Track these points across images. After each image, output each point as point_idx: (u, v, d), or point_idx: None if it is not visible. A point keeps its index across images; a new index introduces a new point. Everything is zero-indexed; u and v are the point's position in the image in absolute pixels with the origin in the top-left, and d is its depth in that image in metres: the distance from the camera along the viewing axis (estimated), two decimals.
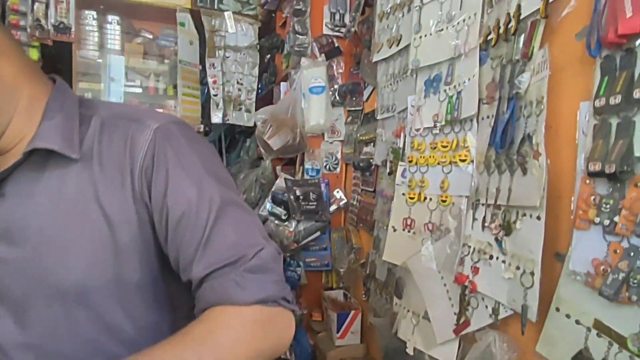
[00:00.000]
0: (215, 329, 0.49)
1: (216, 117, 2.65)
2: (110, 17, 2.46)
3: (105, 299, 0.54)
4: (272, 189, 1.79)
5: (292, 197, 1.69)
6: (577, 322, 0.73)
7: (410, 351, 1.17)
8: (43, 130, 0.54)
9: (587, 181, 0.71)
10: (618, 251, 0.67)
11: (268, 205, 1.78)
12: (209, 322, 0.50)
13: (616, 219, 0.66)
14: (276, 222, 1.76)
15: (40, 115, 0.55)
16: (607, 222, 0.67)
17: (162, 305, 0.59)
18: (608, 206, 0.67)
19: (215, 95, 2.64)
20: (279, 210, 1.73)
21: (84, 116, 0.58)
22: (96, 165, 0.54)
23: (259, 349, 0.51)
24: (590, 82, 0.73)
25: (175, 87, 2.53)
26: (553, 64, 0.78)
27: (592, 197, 0.70)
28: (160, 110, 2.61)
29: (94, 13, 2.42)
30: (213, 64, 2.64)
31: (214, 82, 2.63)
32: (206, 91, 2.76)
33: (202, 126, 2.57)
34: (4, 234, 0.53)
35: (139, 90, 2.55)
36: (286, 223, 1.73)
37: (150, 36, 2.61)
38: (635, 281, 0.63)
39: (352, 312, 1.61)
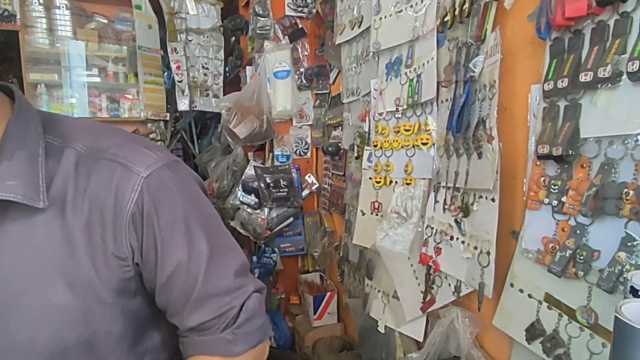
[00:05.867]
0: None
1: (182, 105, 2.55)
2: (58, 1, 2.28)
3: (83, 354, 0.51)
4: (242, 178, 1.75)
5: (262, 185, 1.67)
6: (530, 296, 0.76)
7: (381, 329, 1.20)
8: (1, 174, 0.45)
9: (538, 163, 0.73)
10: (566, 229, 0.69)
11: (239, 193, 1.75)
12: None
13: (564, 199, 0.68)
14: (248, 210, 1.73)
15: None
16: (555, 202, 0.69)
17: (146, 351, 0.57)
18: (557, 187, 0.69)
19: (180, 82, 2.54)
20: (250, 199, 1.70)
21: (52, 147, 0.49)
22: (70, 214, 0.47)
23: None
24: (540, 65, 0.73)
25: (136, 74, 2.40)
26: (505, 47, 0.78)
27: (542, 179, 0.72)
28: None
29: None
30: (175, 49, 2.52)
31: (178, 67, 2.52)
32: (171, 77, 2.64)
33: (168, 114, 2.47)
34: None
35: (97, 79, 2.40)
36: (258, 211, 1.71)
37: (105, 20, 2.44)
38: (581, 258, 0.65)
39: (328, 294, 1.64)
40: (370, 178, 1.27)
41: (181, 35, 2.52)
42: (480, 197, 0.85)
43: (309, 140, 1.88)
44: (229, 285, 0.55)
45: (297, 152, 1.86)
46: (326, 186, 1.80)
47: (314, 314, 1.62)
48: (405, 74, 1.10)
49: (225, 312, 0.54)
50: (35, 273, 0.47)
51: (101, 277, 0.49)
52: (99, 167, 0.49)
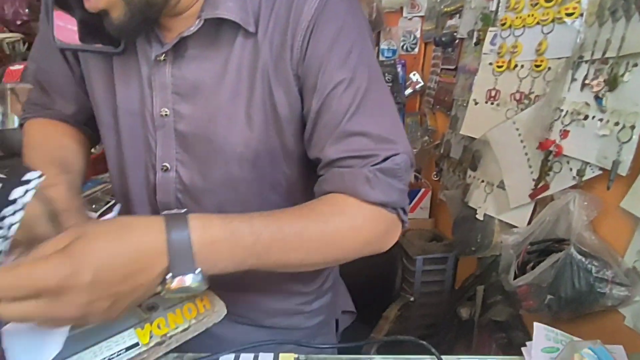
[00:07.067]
0: (340, 214, 0.49)
1: None
2: None
3: (268, 163, 0.56)
4: None
5: None
6: None
7: (480, 217, 1.23)
8: None
9: None
10: None
11: None
12: (333, 206, 0.50)
13: None
14: None
15: None
16: None
17: (310, 168, 0.59)
18: None
19: None
20: None
21: None
22: (261, 34, 0.50)
23: (367, 244, 0.52)
24: None
25: None
26: None
27: None
28: None
29: None
30: None
31: None
32: None
33: None
34: (184, 93, 0.53)
35: None
36: None
37: None
38: None
39: (422, 189, 1.69)
40: (490, 63, 1.18)
41: None
42: (635, 65, 0.74)
43: (418, 34, 1.78)
44: (379, 131, 0.50)
45: (404, 47, 1.79)
46: (432, 84, 1.73)
47: None
48: None
49: (368, 155, 0.49)
50: (230, 93, 0.52)
51: (282, 93, 0.52)
52: None
